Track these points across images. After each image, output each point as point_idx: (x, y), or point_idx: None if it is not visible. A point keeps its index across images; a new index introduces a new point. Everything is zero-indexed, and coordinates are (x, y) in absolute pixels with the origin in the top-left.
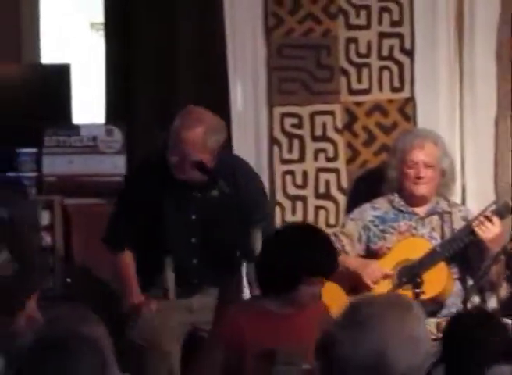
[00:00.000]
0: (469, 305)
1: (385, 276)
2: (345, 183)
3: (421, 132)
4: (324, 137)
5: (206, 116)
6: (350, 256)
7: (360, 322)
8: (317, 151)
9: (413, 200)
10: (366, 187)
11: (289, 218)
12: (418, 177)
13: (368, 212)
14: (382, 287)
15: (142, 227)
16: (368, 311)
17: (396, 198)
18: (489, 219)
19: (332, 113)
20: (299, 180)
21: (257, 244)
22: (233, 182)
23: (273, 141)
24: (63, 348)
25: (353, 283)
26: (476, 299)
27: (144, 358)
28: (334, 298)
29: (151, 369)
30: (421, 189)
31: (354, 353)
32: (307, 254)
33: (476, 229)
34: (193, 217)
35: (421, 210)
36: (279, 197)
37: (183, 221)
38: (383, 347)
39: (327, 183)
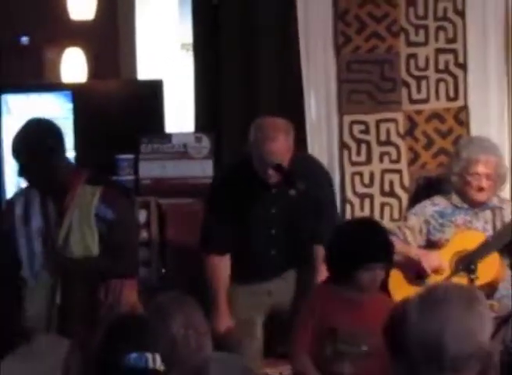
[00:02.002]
0: None
1: (443, 267)
2: (407, 183)
3: (484, 144)
4: (388, 142)
5: (279, 123)
6: (412, 246)
7: (431, 304)
8: (382, 155)
9: (473, 203)
10: (425, 186)
11: (358, 214)
12: (480, 188)
13: (429, 207)
14: (440, 275)
15: (230, 227)
16: (442, 296)
17: (453, 195)
18: None
19: (395, 121)
20: (366, 180)
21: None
22: (309, 180)
23: (343, 145)
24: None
25: (415, 271)
26: None
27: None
28: (398, 284)
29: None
30: (482, 196)
31: (420, 331)
32: (363, 242)
33: None
34: (273, 211)
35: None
36: (349, 195)
37: (263, 215)
38: (443, 330)
39: (391, 182)
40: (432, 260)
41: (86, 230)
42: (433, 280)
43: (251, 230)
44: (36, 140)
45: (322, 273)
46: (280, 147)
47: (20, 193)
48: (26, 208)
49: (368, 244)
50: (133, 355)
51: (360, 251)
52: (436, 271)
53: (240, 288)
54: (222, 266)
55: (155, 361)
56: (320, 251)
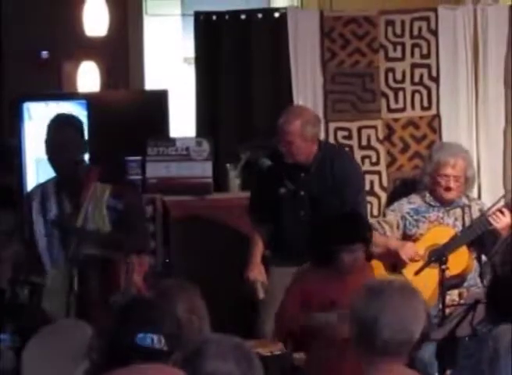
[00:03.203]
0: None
1: (418, 256)
2: (385, 183)
3: (454, 149)
4: (368, 146)
5: (303, 111)
6: (391, 238)
7: (372, 294)
8: (363, 158)
9: (442, 201)
10: (402, 186)
11: None
12: (448, 188)
13: (405, 205)
14: (415, 265)
15: (267, 204)
16: (383, 288)
17: (427, 194)
18: (501, 212)
19: (374, 127)
20: None
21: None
22: (331, 167)
23: None
24: (145, 303)
25: (394, 260)
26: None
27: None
28: (378, 273)
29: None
30: (450, 195)
31: (360, 317)
32: (345, 226)
33: (491, 219)
34: (302, 193)
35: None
36: None
37: (293, 196)
38: (378, 317)
39: (371, 182)
40: (408, 250)
41: (98, 219)
42: (409, 269)
43: (283, 209)
44: (71, 137)
45: None
46: (292, 129)
47: (37, 187)
48: (42, 202)
49: (349, 228)
50: (140, 336)
51: (343, 234)
52: (412, 260)
53: (277, 270)
54: (258, 233)
55: (160, 341)
56: None
